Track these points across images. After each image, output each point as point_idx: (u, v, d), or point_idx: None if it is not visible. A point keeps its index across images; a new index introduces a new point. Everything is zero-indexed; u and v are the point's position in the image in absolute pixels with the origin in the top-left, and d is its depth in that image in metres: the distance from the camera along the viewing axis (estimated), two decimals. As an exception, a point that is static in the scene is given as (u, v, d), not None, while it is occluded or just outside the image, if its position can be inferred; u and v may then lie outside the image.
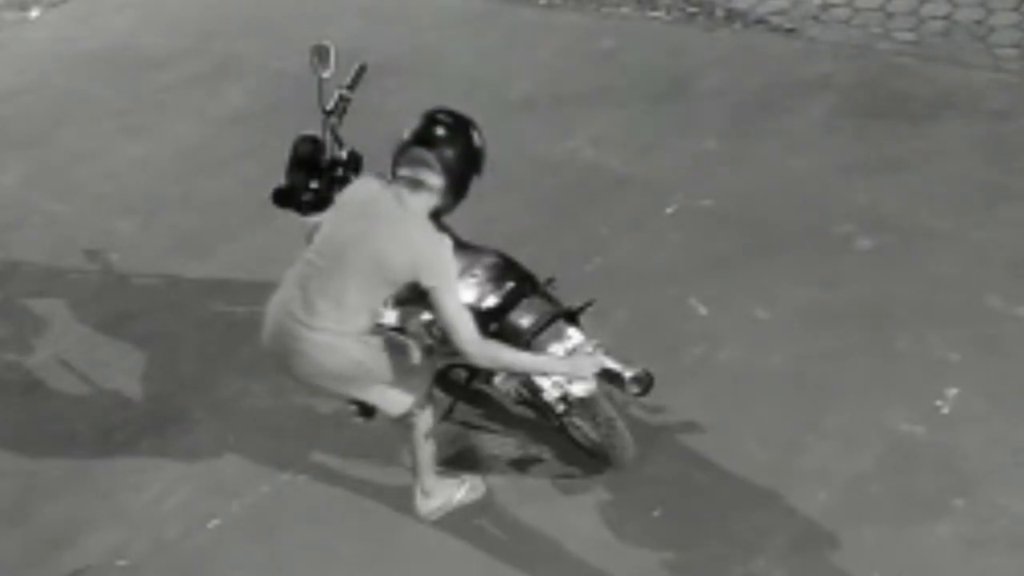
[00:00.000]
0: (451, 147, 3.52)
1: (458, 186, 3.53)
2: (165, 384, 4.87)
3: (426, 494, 3.96)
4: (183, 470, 4.41)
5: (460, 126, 3.60)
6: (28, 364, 5.12)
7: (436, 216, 3.56)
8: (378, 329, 3.67)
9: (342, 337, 3.51)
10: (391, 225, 3.45)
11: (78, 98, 7.43)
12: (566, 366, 3.62)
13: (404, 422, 3.80)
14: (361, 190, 3.65)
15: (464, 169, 3.56)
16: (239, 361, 4.91)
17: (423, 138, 3.51)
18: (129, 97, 7.32)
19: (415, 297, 3.59)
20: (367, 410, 3.94)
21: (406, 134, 3.56)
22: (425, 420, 3.82)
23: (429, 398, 3.83)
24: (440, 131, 3.53)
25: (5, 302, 5.57)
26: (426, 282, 3.39)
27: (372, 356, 3.61)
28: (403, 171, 3.50)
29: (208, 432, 4.57)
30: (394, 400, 3.74)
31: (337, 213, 3.63)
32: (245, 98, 7.08)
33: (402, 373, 3.69)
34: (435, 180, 3.47)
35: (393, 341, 3.72)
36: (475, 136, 3.63)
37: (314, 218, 4.32)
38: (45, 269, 5.75)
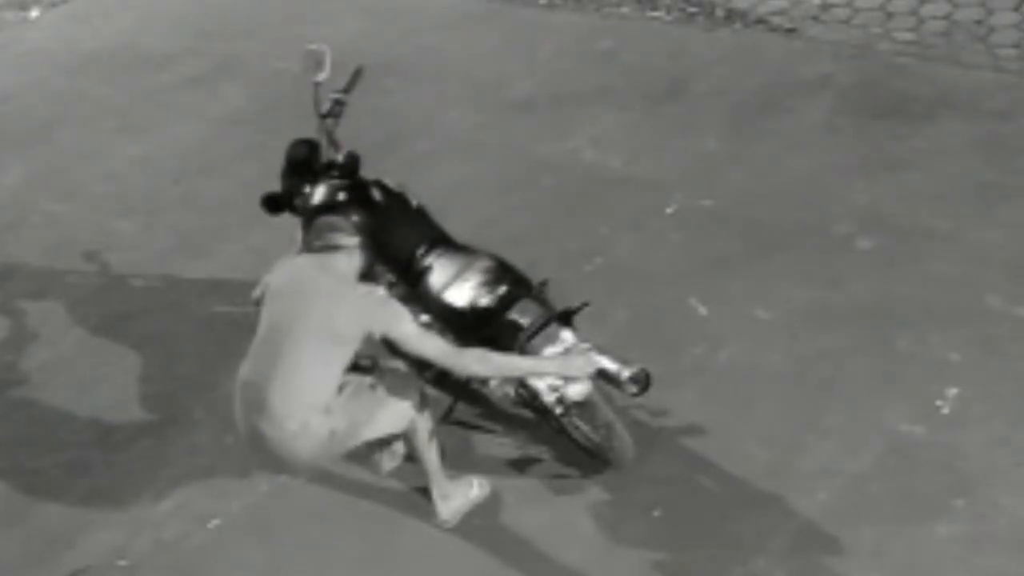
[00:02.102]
0: (353, 204, 3.78)
1: (375, 235, 3.69)
2: (165, 384, 4.87)
3: (444, 498, 3.92)
4: (183, 470, 4.41)
5: (352, 186, 3.88)
6: (28, 364, 5.11)
7: (365, 274, 3.69)
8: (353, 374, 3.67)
9: (305, 422, 3.50)
10: (329, 294, 3.53)
11: (78, 98, 7.42)
12: (557, 366, 3.62)
13: (407, 433, 3.79)
14: (286, 274, 3.68)
15: (380, 218, 3.75)
16: (239, 361, 4.89)
17: (328, 207, 3.78)
18: (129, 97, 7.31)
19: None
20: None
21: (312, 204, 3.84)
22: (424, 424, 3.81)
23: (423, 401, 3.81)
24: (340, 196, 3.82)
25: (5, 302, 5.57)
26: (383, 331, 3.46)
27: (342, 417, 3.59)
28: (319, 243, 3.64)
29: (208, 432, 4.57)
30: (390, 422, 3.72)
31: (272, 302, 3.63)
32: (245, 98, 7.07)
33: (383, 398, 3.68)
34: (348, 241, 3.61)
35: (356, 382, 3.67)
36: (374, 192, 3.87)
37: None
38: (45, 269, 5.74)
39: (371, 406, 3.66)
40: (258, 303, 3.78)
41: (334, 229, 3.64)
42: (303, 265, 3.67)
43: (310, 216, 3.83)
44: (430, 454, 3.86)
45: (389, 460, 4.13)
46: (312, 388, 3.51)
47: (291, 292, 3.59)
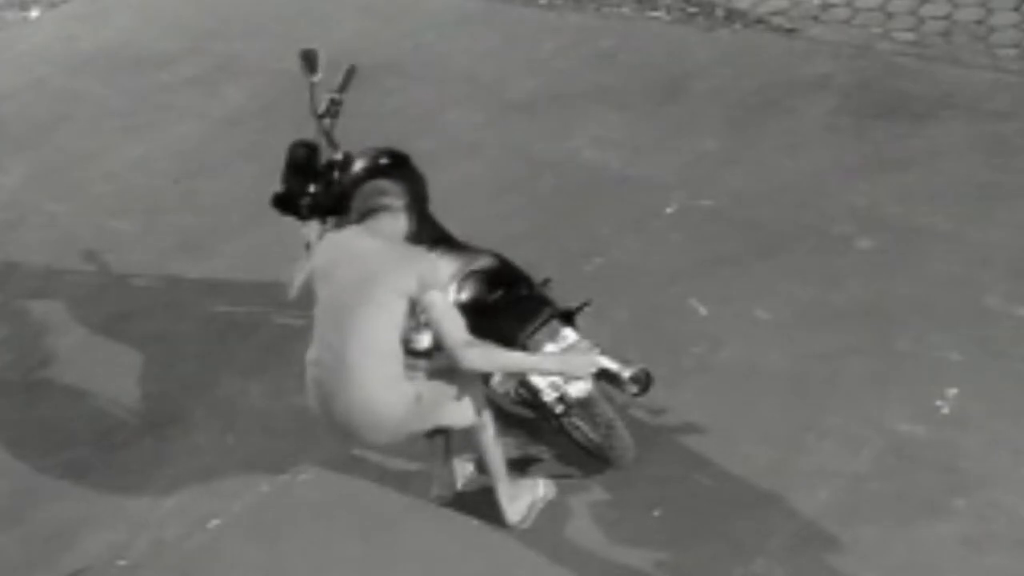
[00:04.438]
0: (397, 170, 3.79)
1: (417, 201, 3.69)
2: (165, 384, 4.87)
3: (512, 498, 3.87)
4: (183, 470, 4.41)
5: (396, 154, 3.89)
6: (28, 364, 5.12)
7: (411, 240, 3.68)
8: (410, 360, 3.64)
9: (391, 384, 3.50)
10: (380, 255, 3.52)
11: (78, 98, 7.42)
12: (559, 364, 3.62)
13: (475, 430, 3.76)
14: (332, 249, 3.69)
15: (416, 185, 3.75)
16: (239, 361, 4.91)
17: (372, 171, 3.77)
18: (129, 97, 7.31)
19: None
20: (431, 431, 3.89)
21: (353, 174, 3.83)
22: (490, 422, 3.78)
23: (487, 401, 3.79)
24: (384, 160, 3.82)
25: (5, 302, 5.57)
26: (425, 293, 3.43)
27: (426, 385, 3.59)
28: (366, 205, 3.64)
29: (208, 432, 4.57)
30: (461, 412, 3.69)
31: (325, 279, 3.62)
32: (245, 98, 7.07)
33: (458, 385, 3.65)
34: (395, 201, 3.61)
35: (434, 363, 3.68)
36: (411, 161, 3.88)
37: (314, 225, 4.33)
38: (45, 269, 5.74)
39: (450, 385, 3.63)
40: (298, 292, 3.85)
41: (382, 192, 3.63)
42: (348, 236, 3.64)
43: (353, 184, 3.80)
44: (497, 454, 3.81)
45: (461, 473, 4.06)
46: (389, 350, 3.47)
47: (344, 262, 3.57)
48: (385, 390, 3.48)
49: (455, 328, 3.44)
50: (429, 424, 3.68)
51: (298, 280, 3.89)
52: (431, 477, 4.05)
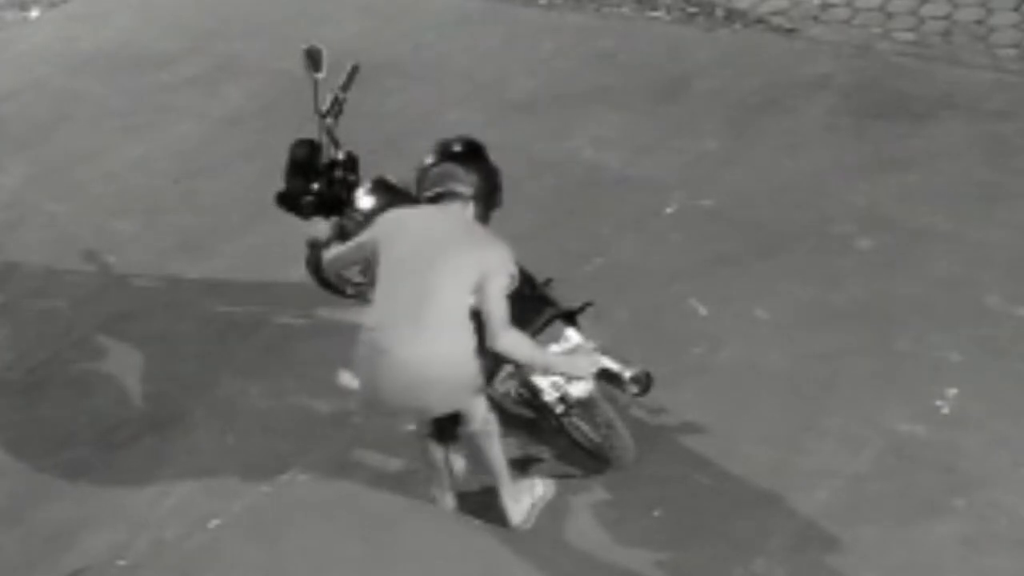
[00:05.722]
0: (471, 159, 3.74)
1: (487, 193, 3.71)
2: (165, 384, 4.87)
3: (516, 500, 3.89)
4: (183, 470, 4.41)
5: (472, 144, 3.82)
6: (28, 364, 5.12)
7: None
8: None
9: (465, 348, 3.52)
10: (456, 232, 3.58)
11: (78, 98, 7.43)
12: (567, 365, 3.64)
13: (484, 430, 3.77)
14: (402, 220, 3.68)
15: (488, 177, 3.74)
16: (239, 361, 4.91)
17: (445, 155, 3.73)
18: (129, 97, 7.31)
19: None
20: (444, 434, 3.89)
21: (427, 159, 3.76)
22: (496, 427, 3.80)
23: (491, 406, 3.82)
24: (457, 147, 3.76)
25: (5, 302, 5.57)
26: (489, 272, 3.48)
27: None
28: (434, 189, 3.67)
29: (208, 432, 4.57)
30: (479, 406, 3.72)
31: (392, 244, 3.60)
32: (245, 98, 7.07)
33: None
34: (465, 189, 3.65)
35: None
36: (486, 152, 3.82)
37: (321, 225, 4.33)
38: (45, 269, 5.74)
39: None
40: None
41: (453, 177, 3.66)
42: (419, 211, 3.67)
43: (424, 168, 3.77)
44: (500, 457, 3.83)
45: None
46: (464, 317, 3.51)
47: (417, 232, 3.58)
48: (464, 353, 3.51)
49: (503, 311, 3.49)
50: (470, 402, 3.68)
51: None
52: (430, 481, 4.04)
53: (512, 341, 3.50)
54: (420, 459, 4.04)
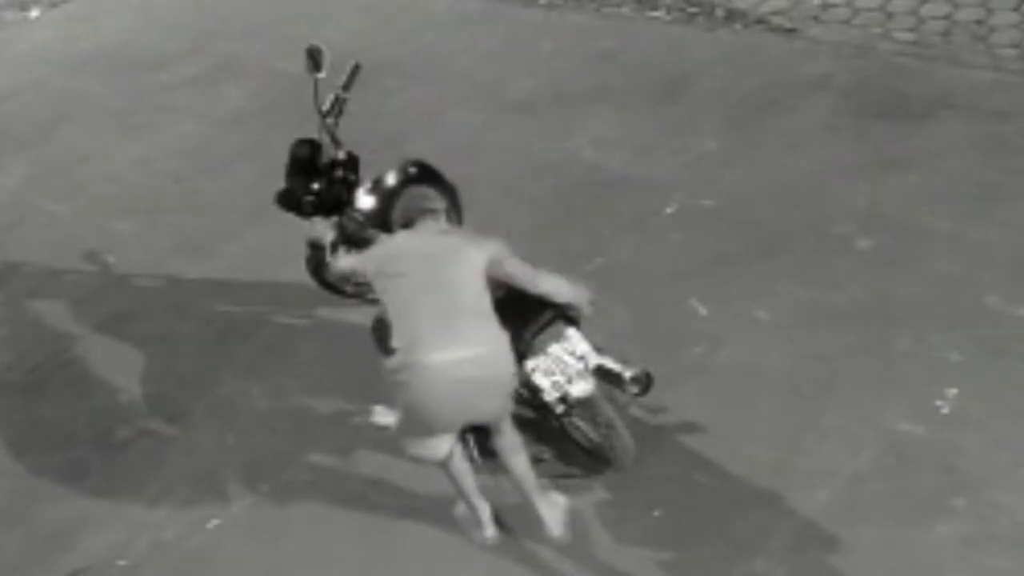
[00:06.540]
0: (432, 179, 4.18)
1: (453, 206, 4.05)
2: (165, 384, 4.87)
3: (551, 508, 3.87)
4: (183, 470, 4.41)
5: (427, 165, 4.31)
6: (28, 364, 5.12)
7: None
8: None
9: (501, 340, 3.58)
10: (452, 241, 3.71)
11: (78, 98, 7.43)
12: (573, 295, 3.78)
13: (515, 440, 3.79)
14: (400, 250, 3.74)
15: (451, 193, 4.17)
16: (239, 361, 4.91)
17: (408, 180, 4.20)
18: (129, 97, 7.32)
19: None
20: (485, 449, 3.90)
21: (390, 183, 4.25)
22: (521, 442, 3.85)
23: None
24: (414, 170, 4.25)
25: (5, 302, 5.57)
26: (494, 256, 3.63)
27: None
28: (409, 209, 3.79)
29: (208, 432, 4.57)
30: (508, 414, 3.76)
31: (397, 273, 3.65)
32: (245, 98, 7.07)
33: None
34: (439, 204, 3.82)
35: None
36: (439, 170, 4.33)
37: (321, 225, 4.33)
38: (45, 269, 5.75)
39: None
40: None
41: (427, 196, 3.85)
42: (405, 237, 3.76)
43: (391, 195, 4.08)
44: (529, 468, 3.84)
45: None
46: (489, 310, 3.60)
47: (413, 256, 3.67)
48: (501, 346, 3.57)
49: (528, 266, 3.72)
50: (508, 405, 3.72)
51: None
52: (467, 521, 3.98)
53: (551, 277, 3.73)
54: (454, 493, 3.93)
